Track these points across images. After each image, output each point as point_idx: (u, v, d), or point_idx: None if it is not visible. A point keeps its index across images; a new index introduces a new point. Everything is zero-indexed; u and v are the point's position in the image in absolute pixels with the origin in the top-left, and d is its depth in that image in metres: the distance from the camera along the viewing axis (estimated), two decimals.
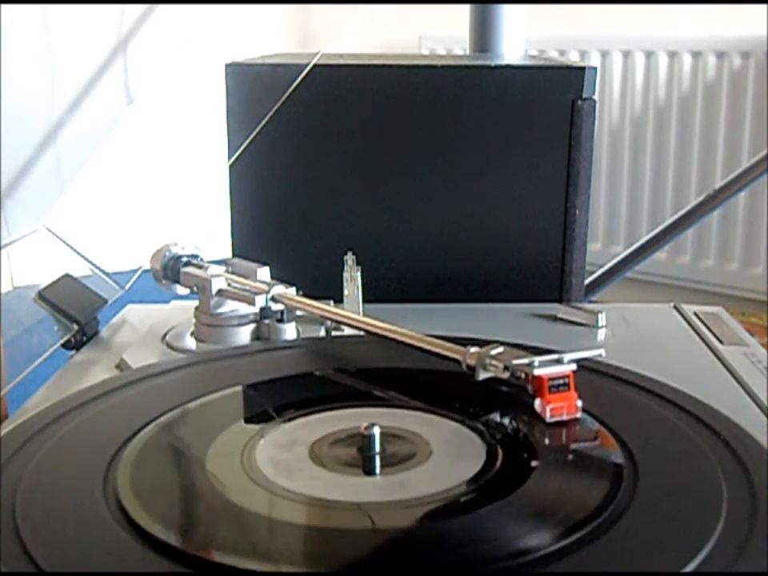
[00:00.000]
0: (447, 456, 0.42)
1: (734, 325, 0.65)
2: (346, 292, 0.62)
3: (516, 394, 0.46)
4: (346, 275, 0.62)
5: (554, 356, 0.45)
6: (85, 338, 0.63)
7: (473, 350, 0.47)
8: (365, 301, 0.62)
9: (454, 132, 0.71)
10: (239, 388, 0.50)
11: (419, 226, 0.72)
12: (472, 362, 0.47)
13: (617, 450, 0.41)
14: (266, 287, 0.58)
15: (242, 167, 0.72)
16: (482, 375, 0.46)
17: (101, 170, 1.77)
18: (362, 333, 0.56)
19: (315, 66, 0.69)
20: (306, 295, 0.59)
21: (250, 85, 0.72)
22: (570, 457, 0.43)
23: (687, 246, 1.86)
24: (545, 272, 0.72)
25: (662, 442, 0.42)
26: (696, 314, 0.67)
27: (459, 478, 0.39)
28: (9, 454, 0.41)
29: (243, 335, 0.59)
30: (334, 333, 0.60)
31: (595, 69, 0.72)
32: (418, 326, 0.53)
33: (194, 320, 0.60)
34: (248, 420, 0.47)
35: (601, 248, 1.94)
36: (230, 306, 0.59)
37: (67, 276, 0.67)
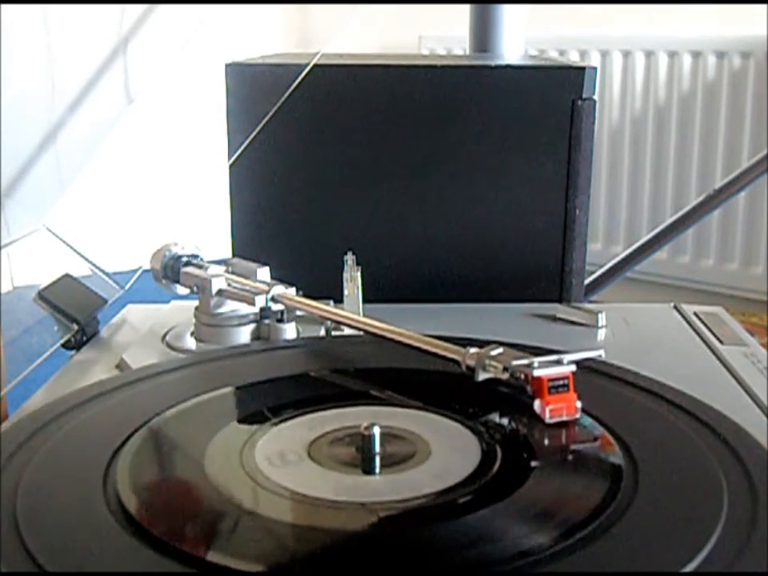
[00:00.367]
0: (446, 456, 0.42)
1: (734, 325, 0.65)
2: (346, 292, 0.62)
3: (516, 394, 0.46)
4: (345, 275, 0.62)
5: (554, 357, 0.45)
6: (85, 338, 0.63)
7: (472, 350, 0.47)
8: (365, 301, 0.62)
9: (453, 132, 0.71)
10: (238, 387, 0.50)
11: (419, 226, 0.72)
12: (471, 362, 0.47)
13: (617, 451, 0.41)
14: (265, 287, 0.58)
15: (242, 167, 0.72)
16: (482, 376, 0.46)
17: (101, 169, 1.77)
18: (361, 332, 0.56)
19: (315, 65, 0.69)
20: (305, 295, 0.59)
21: (250, 85, 0.72)
22: (570, 457, 0.43)
23: (687, 245, 1.86)
24: (545, 272, 0.72)
25: (662, 442, 0.42)
26: (696, 314, 0.67)
27: (459, 479, 0.39)
28: (9, 454, 0.41)
29: (243, 335, 0.59)
30: (333, 333, 0.60)
31: (595, 69, 0.72)
32: (417, 326, 0.53)
33: (193, 320, 0.60)
34: (248, 419, 0.47)
35: (601, 248, 1.94)
36: (230, 306, 0.59)
37: (67, 276, 0.67)
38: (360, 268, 0.63)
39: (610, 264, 1.14)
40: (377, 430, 0.41)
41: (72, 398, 0.48)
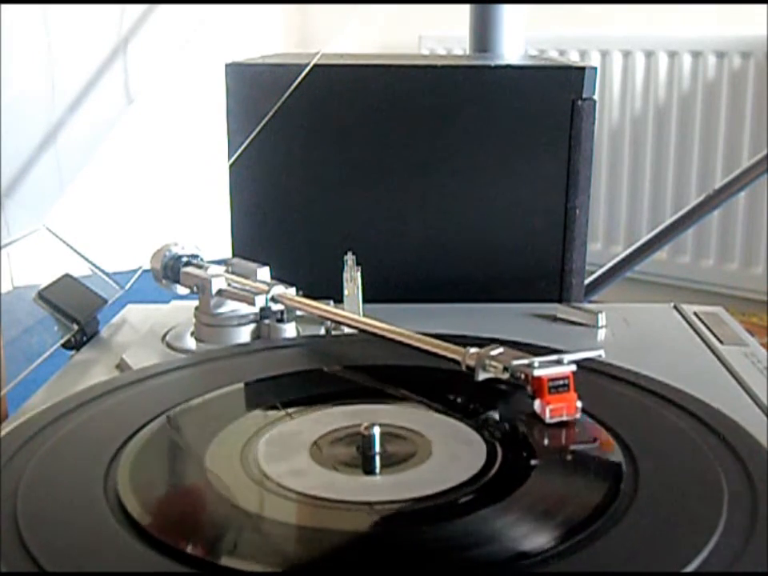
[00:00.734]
0: (447, 456, 0.42)
1: (734, 325, 0.65)
2: (346, 292, 0.62)
3: (516, 394, 0.46)
4: (345, 275, 0.62)
5: (554, 357, 0.45)
6: (85, 338, 0.63)
7: (472, 350, 0.47)
8: (365, 301, 0.62)
9: (453, 132, 0.71)
10: (238, 386, 0.50)
11: (419, 226, 0.72)
12: (471, 362, 0.47)
13: (617, 450, 0.41)
14: (265, 287, 0.58)
15: (242, 167, 0.72)
16: (482, 376, 0.46)
17: (101, 169, 1.77)
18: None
19: (315, 65, 0.69)
20: (305, 295, 0.59)
21: (250, 85, 0.72)
22: (570, 457, 0.43)
23: (687, 245, 1.86)
24: (545, 272, 0.72)
25: (661, 442, 0.42)
26: (696, 314, 0.67)
27: (459, 479, 0.39)
28: (9, 454, 0.41)
29: (243, 335, 0.59)
30: (333, 332, 0.60)
31: (595, 69, 0.72)
32: (417, 326, 0.53)
33: (193, 320, 0.60)
34: (248, 419, 0.47)
35: (601, 248, 1.94)
36: (230, 306, 0.59)
37: (67, 276, 0.67)
38: (360, 268, 0.63)
39: (610, 264, 1.14)
40: (377, 430, 0.41)
41: (73, 398, 0.48)
